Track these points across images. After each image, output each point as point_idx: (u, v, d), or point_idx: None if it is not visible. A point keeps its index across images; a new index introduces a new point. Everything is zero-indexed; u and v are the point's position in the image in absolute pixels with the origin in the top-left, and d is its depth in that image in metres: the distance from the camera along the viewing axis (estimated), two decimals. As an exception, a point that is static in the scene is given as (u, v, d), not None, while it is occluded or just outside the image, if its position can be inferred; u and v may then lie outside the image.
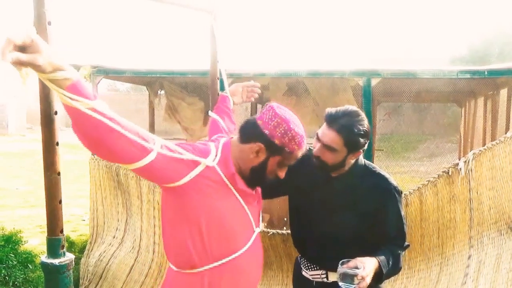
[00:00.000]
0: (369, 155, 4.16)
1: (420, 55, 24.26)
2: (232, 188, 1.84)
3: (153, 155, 1.62)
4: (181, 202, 1.78)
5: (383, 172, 2.34)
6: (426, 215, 3.39)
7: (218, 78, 2.79)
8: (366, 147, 2.24)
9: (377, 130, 8.08)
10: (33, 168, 12.73)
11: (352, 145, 2.16)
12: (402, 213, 2.30)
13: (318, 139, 2.21)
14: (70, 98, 1.43)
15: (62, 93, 1.43)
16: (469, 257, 3.27)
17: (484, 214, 3.24)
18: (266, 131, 1.80)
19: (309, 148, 2.36)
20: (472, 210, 3.26)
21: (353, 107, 2.21)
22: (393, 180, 2.32)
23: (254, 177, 1.89)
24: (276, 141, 1.80)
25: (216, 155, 1.83)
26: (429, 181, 3.37)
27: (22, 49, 1.32)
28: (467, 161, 3.22)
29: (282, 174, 1.92)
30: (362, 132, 2.14)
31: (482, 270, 3.18)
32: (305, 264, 2.43)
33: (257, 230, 1.99)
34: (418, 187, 3.39)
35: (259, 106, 6.98)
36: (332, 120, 2.16)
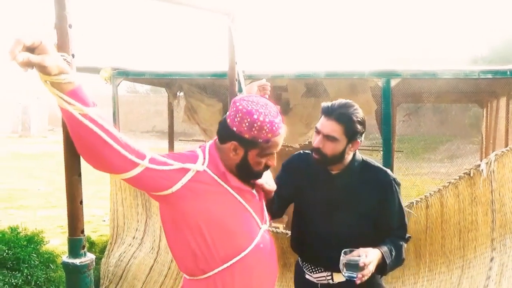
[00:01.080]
0: (388, 157, 4.12)
1: (439, 55, 23.96)
2: (226, 186, 1.85)
3: (141, 168, 1.65)
4: (177, 210, 1.79)
5: (381, 165, 2.41)
6: (447, 217, 3.35)
7: (236, 80, 2.80)
8: (363, 138, 2.29)
9: (397, 131, 8.01)
10: (54, 169, 12.91)
11: (351, 133, 2.21)
12: (402, 204, 2.37)
13: (317, 131, 2.26)
14: (66, 102, 1.46)
15: (61, 96, 1.46)
16: (491, 260, 3.22)
17: (506, 216, 3.19)
18: (234, 128, 1.80)
19: (307, 152, 2.45)
20: (494, 212, 3.21)
21: (346, 100, 2.28)
22: (391, 172, 2.40)
23: (243, 173, 1.89)
24: (246, 136, 1.79)
25: (204, 159, 1.84)
26: (450, 182, 3.33)
27: (31, 50, 1.35)
28: (489, 162, 3.18)
29: (271, 162, 1.92)
30: (360, 120, 2.22)
31: (504, 273, 3.13)
32: (308, 268, 2.44)
33: (264, 227, 1.98)
34: (439, 189, 3.36)
35: (277, 107, 6.96)
36: (330, 111, 2.22)
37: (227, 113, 1.87)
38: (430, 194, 3.37)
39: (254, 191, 2.01)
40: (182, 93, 6.45)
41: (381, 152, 4.22)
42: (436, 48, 26.90)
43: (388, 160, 4.06)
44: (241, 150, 1.83)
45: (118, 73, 4.92)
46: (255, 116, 1.76)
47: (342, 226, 2.28)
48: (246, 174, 1.91)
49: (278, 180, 2.49)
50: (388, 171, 2.38)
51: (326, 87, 5.15)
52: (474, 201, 3.26)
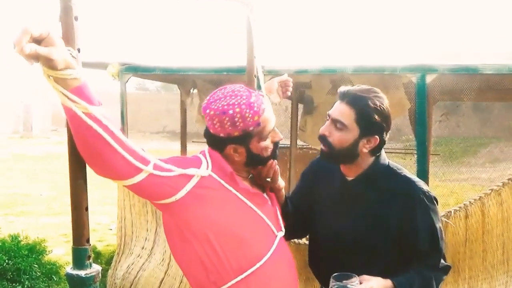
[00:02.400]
0: (423, 161, 4.08)
1: (482, 47, 23.67)
2: (234, 191, 1.86)
3: (144, 174, 1.67)
4: (183, 220, 1.81)
5: (411, 175, 2.18)
6: (489, 227, 3.31)
7: (255, 76, 2.80)
8: (385, 137, 2.09)
9: (433, 133, 7.92)
10: (58, 173, 13.07)
11: (365, 122, 2.02)
12: (438, 225, 2.10)
13: (328, 117, 2.11)
14: (70, 100, 1.48)
15: (64, 93, 1.47)
16: (539, 276, 3.18)
17: (556, 227, 3.14)
18: (221, 134, 1.83)
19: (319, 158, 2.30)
20: (542, 223, 3.17)
21: (371, 87, 2.10)
22: (423, 184, 2.15)
23: (256, 164, 1.96)
24: (236, 134, 1.82)
25: (207, 163, 1.86)
26: (492, 189, 3.30)
27: (37, 41, 1.36)
28: (537, 167, 3.13)
29: (277, 138, 1.96)
30: (379, 108, 2.01)
31: (554, 291, 3.08)
32: None
33: (280, 234, 1.97)
34: (480, 197, 3.32)
35: (300, 106, 6.96)
36: (345, 95, 2.07)
37: (206, 124, 1.90)
38: (470, 202, 3.34)
39: (265, 195, 2.02)
40: (195, 91, 6.47)
41: (415, 156, 4.18)
42: (478, 40, 26.55)
43: (423, 165, 4.02)
44: (241, 148, 1.87)
45: (126, 69, 4.97)
46: (231, 112, 1.78)
47: (358, 241, 2.11)
48: (261, 163, 1.97)
49: (294, 191, 2.45)
50: (419, 182, 2.14)
51: (354, 83, 5.12)
52: (519, 210, 3.22)
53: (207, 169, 1.84)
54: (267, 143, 1.91)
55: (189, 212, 1.79)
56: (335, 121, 2.06)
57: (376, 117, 2.01)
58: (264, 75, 4.11)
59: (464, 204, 3.36)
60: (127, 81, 5.00)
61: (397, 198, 2.08)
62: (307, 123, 6.60)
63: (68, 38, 1.56)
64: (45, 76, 1.46)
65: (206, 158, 1.89)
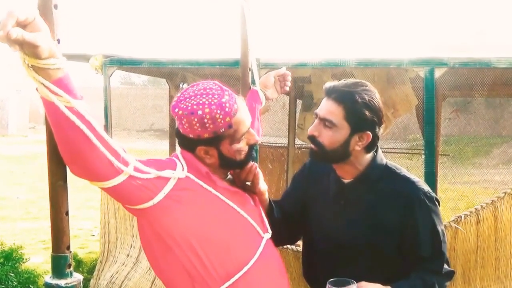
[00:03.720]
0: (432, 161, 4.09)
1: (494, 40, 23.76)
2: (214, 192, 1.86)
3: (124, 176, 1.67)
4: (163, 226, 1.80)
5: (410, 175, 2.20)
6: (502, 234, 3.33)
7: (249, 69, 2.81)
8: (378, 132, 2.10)
9: (442, 131, 7.96)
10: (36, 174, 13.05)
11: (355, 119, 2.03)
12: (440, 227, 2.12)
13: (315, 115, 2.12)
14: (52, 92, 1.47)
15: (46, 84, 1.46)
16: (555, 287, 3.19)
17: None
18: (191, 135, 1.84)
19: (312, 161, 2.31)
20: (559, 229, 3.19)
21: (360, 80, 2.13)
22: (424, 184, 2.18)
23: (232, 168, 1.98)
24: (206, 135, 1.82)
25: (182, 165, 1.87)
26: (506, 192, 3.31)
27: (22, 27, 1.35)
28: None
29: (252, 140, 1.95)
30: (368, 103, 2.02)
31: None
32: None
33: (266, 236, 1.98)
34: (492, 200, 3.33)
35: (299, 101, 6.97)
36: (331, 91, 2.08)
37: (176, 124, 1.90)
38: (481, 206, 3.35)
39: (247, 194, 2.03)
40: (185, 85, 6.47)
41: (423, 156, 4.19)
42: (491, 32, 26.65)
43: (431, 166, 4.03)
44: (212, 150, 1.88)
45: (110, 62, 4.96)
46: (200, 112, 1.77)
47: (355, 247, 2.13)
48: (235, 167, 1.98)
49: (285, 196, 2.47)
50: (419, 182, 2.16)
51: (357, 78, 5.13)
52: (535, 215, 3.23)
53: (183, 170, 1.85)
54: (241, 146, 1.91)
55: (168, 217, 1.79)
56: (323, 120, 2.07)
57: (367, 112, 2.02)
58: (260, 68, 4.13)
59: (476, 209, 3.37)
60: (112, 74, 4.99)
61: (397, 200, 2.10)
62: (306, 120, 6.60)
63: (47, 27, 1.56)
64: (25, 65, 1.45)
65: (180, 160, 1.90)
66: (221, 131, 1.82)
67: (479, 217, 3.33)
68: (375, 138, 2.10)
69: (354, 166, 2.14)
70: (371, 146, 2.13)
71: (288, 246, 3.54)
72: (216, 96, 1.80)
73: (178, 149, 1.99)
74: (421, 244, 2.09)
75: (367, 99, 2.02)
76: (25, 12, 1.34)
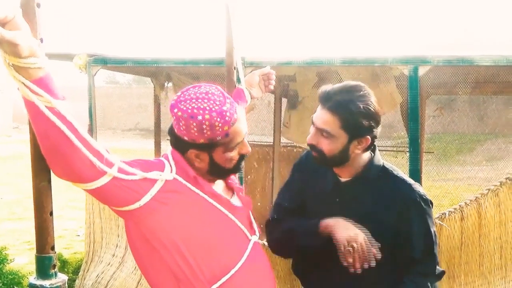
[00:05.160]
0: (416, 159, 4.12)
1: (478, 38, 23.94)
2: (202, 194, 1.86)
3: (107, 177, 1.66)
4: (149, 228, 1.80)
5: (406, 177, 2.23)
6: (486, 230, 3.35)
7: (234, 68, 2.80)
8: (376, 133, 2.11)
9: (427, 129, 8.01)
10: (20, 174, 12.92)
11: (352, 128, 2.03)
12: (432, 229, 2.16)
13: (312, 123, 2.11)
14: (32, 92, 1.45)
15: (26, 84, 1.45)
16: (538, 282, 3.22)
17: (556, 229, 3.19)
18: (185, 138, 1.81)
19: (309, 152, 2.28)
20: (542, 225, 3.22)
21: (355, 82, 2.11)
22: (420, 186, 2.21)
23: (218, 175, 1.95)
24: (201, 141, 1.80)
25: (171, 167, 1.85)
26: (489, 189, 3.33)
27: (1, 25, 1.33)
28: (536, 165, 3.18)
29: (244, 150, 1.93)
30: (363, 111, 2.01)
31: (554, 297, 3.13)
32: None
33: (254, 238, 1.99)
34: (476, 197, 3.36)
35: (284, 100, 6.97)
36: (326, 98, 2.07)
37: (172, 123, 1.88)
38: (465, 203, 3.37)
39: (236, 197, 2.03)
40: (170, 84, 6.45)
41: (407, 154, 4.21)
42: (477, 30, 26.84)
43: (415, 164, 4.05)
44: (204, 155, 1.86)
45: (95, 61, 4.93)
46: (200, 117, 1.74)
47: None
48: (222, 175, 1.97)
49: (284, 190, 2.44)
50: (416, 184, 2.19)
51: (342, 76, 5.15)
52: (518, 212, 3.26)
53: (171, 172, 1.83)
54: (233, 155, 1.90)
55: (155, 219, 1.78)
56: (320, 130, 2.07)
57: (363, 120, 2.02)
58: (245, 67, 4.12)
59: (460, 206, 3.39)
60: (96, 74, 4.96)
61: (393, 201, 2.13)
62: (291, 118, 6.61)
63: (30, 26, 1.54)
64: (6, 64, 1.43)
65: (169, 161, 1.88)
66: (217, 139, 1.80)
67: (463, 214, 3.36)
68: (373, 138, 2.11)
69: (352, 166, 2.16)
70: (369, 146, 2.14)
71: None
72: (217, 103, 1.77)
73: (169, 149, 1.97)
74: (414, 246, 2.12)
75: (362, 107, 2.00)
76: (5, 10, 1.32)
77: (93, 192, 1.70)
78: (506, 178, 3.29)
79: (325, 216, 2.17)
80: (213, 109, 1.75)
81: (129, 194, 1.73)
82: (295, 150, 7.04)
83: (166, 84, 6.49)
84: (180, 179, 1.83)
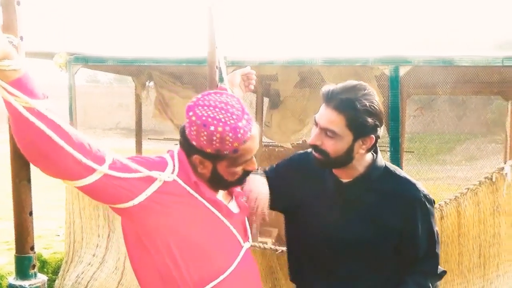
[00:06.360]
0: (396, 158, 4.15)
1: (459, 38, 24.17)
2: (200, 198, 1.83)
3: (98, 174, 1.64)
4: (142, 226, 1.78)
5: (409, 177, 2.21)
6: (465, 229, 3.38)
7: (217, 67, 2.80)
8: (379, 132, 2.09)
9: (407, 129, 8.06)
10: (-1, 174, 12.77)
11: (357, 126, 1.99)
12: (435, 229, 2.17)
13: (315, 123, 2.06)
14: (9, 93, 1.44)
15: (3, 86, 1.43)
16: (516, 280, 3.26)
17: (534, 228, 3.23)
18: (194, 142, 1.78)
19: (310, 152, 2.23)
20: (520, 224, 3.25)
21: (357, 82, 2.07)
22: (422, 186, 2.19)
23: (218, 186, 1.90)
24: (208, 150, 1.76)
25: (174, 166, 1.83)
26: (468, 189, 3.36)
27: None
28: (514, 165, 3.21)
29: (250, 167, 1.89)
30: (369, 109, 1.97)
31: (532, 295, 3.17)
32: None
33: (246, 245, 1.98)
34: (456, 197, 3.38)
35: (266, 99, 6.98)
36: (330, 97, 2.02)
37: (185, 123, 1.84)
38: (445, 202, 3.40)
39: (233, 202, 2.00)
40: (152, 83, 6.43)
41: (388, 153, 4.24)
42: (457, 30, 27.08)
43: (396, 163, 4.08)
44: (208, 163, 1.82)
45: (75, 59, 4.90)
46: (212, 128, 1.70)
47: (353, 250, 2.13)
48: (222, 186, 1.92)
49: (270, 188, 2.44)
50: (419, 184, 2.17)
51: (324, 76, 5.17)
52: (496, 211, 3.29)
53: (172, 173, 1.80)
54: (237, 170, 1.86)
55: (149, 219, 1.76)
56: (324, 130, 2.01)
57: (369, 118, 1.98)
58: (227, 66, 4.12)
59: (439, 205, 3.41)
60: (76, 72, 4.93)
61: (397, 201, 2.11)
62: (273, 118, 6.62)
63: (9, 24, 1.53)
64: None
65: (173, 160, 1.86)
66: (225, 152, 1.75)
67: (443, 213, 3.38)
68: (377, 138, 2.10)
69: (355, 168, 2.13)
70: (373, 147, 2.13)
71: (255, 243, 3.55)
72: (234, 117, 1.73)
73: (176, 147, 1.94)
74: (419, 245, 2.13)
75: (368, 105, 1.97)
76: None
77: (83, 189, 1.68)
78: (485, 178, 3.32)
79: (326, 217, 2.17)
80: (228, 122, 1.71)
81: (122, 193, 1.70)
82: (276, 149, 7.06)
83: (147, 83, 6.47)
84: (180, 181, 1.80)
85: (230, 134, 1.71)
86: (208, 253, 1.84)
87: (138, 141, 6.49)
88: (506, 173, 3.23)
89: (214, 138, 1.71)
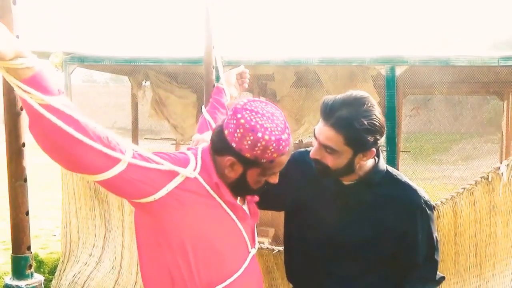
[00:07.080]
0: (393, 158, 4.16)
1: (455, 38, 24.21)
2: (219, 199, 1.83)
3: (121, 166, 1.63)
4: (159, 222, 1.77)
5: (411, 182, 2.19)
6: (461, 229, 3.38)
7: (213, 67, 2.80)
8: (380, 144, 2.06)
9: (403, 128, 8.08)
10: (-6, 174, 12.74)
11: (356, 144, 1.96)
12: (434, 235, 2.17)
13: (315, 137, 2.04)
14: (23, 91, 1.44)
15: (17, 84, 1.43)
16: (512, 279, 3.27)
17: (530, 227, 3.23)
18: (233, 144, 1.76)
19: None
20: (516, 223, 3.25)
21: (359, 93, 1.99)
22: (424, 191, 2.17)
23: (238, 190, 1.89)
24: (247, 155, 1.75)
25: (196, 164, 1.82)
26: (464, 188, 3.36)
27: None
28: (510, 164, 3.22)
29: (273, 180, 1.89)
30: (368, 127, 1.91)
31: (528, 294, 3.18)
32: None
33: (253, 251, 1.98)
34: (452, 196, 3.38)
35: (262, 99, 6.98)
36: (328, 113, 1.96)
37: (225, 120, 1.82)
38: (441, 202, 3.40)
39: (245, 207, 1.99)
40: (148, 83, 6.43)
41: (384, 153, 4.25)
42: (453, 30, 27.11)
43: (392, 162, 4.09)
44: (239, 167, 1.80)
45: (71, 59, 4.89)
46: (259, 134, 1.71)
47: (353, 252, 2.13)
48: (242, 191, 1.91)
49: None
50: (420, 190, 2.15)
51: (320, 76, 5.17)
52: (493, 211, 3.29)
53: (194, 170, 1.79)
54: (262, 180, 1.86)
55: (167, 215, 1.75)
56: (324, 146, 1.99)
57: (368, 137, 1.94)
58: (224, 66, 4.12)
59: (436, 204, 3.41)
60: (72, 72, 4.92)
61: (398, 206, 2.10)
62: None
63: (5, 23, 1.53)
64: None
65: (196, 157, 1.85)
66: (262, 161, 1.76)
67: (439, 212, 3.38)
68: (378, 148, 2.08)
69: (356, 173, 2.11)
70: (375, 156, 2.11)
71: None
72: (279, 129, 1.74)
73: (201, 146, 1.93)
74: (418, 251, 2.12)
75: (366, 124, 1.91)
76: None
77: (104, 183, 1.66)
78: (481, 177, 3.32)
79: (327, 218, 2.16)
80: (274, 133, 1.72)
81: (143, 187, 1.69)
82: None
83: (143, 82, 6.47)
84: (201, 180, 1.79)
85: (274, 144, 1.72)
86: (220, 256, 1.83)
87: (134, 141, 6.49)
88: (502, 173, 3.23)
89: (259, 144, 1.71)
